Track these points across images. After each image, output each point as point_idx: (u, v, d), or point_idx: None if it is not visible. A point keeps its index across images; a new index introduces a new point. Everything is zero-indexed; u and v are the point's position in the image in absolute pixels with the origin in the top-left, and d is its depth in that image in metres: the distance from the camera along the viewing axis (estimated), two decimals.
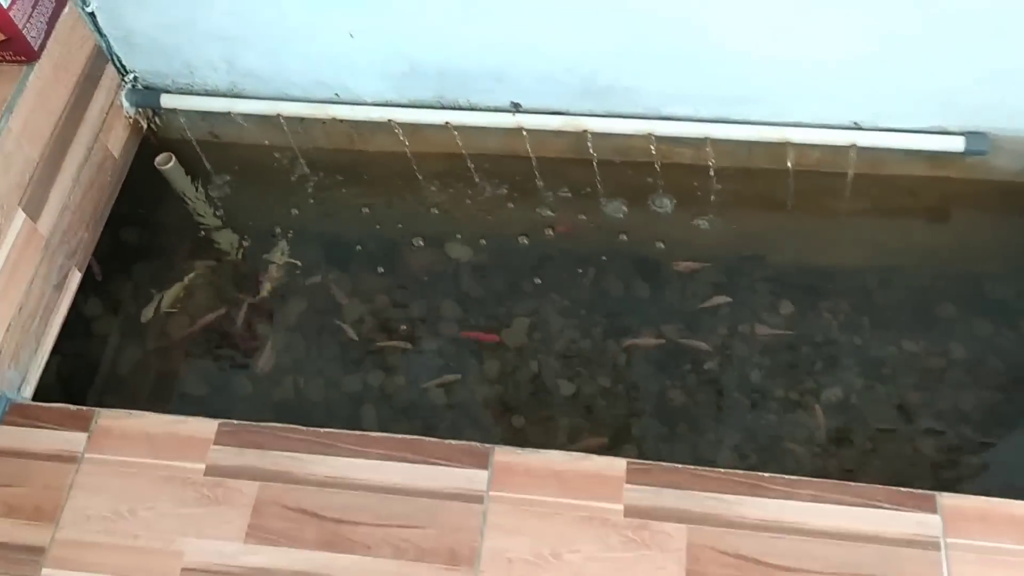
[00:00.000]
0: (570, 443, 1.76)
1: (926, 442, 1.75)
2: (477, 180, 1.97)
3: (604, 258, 1.93)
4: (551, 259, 1.95)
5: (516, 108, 1.81)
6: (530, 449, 1.49)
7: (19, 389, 1.61)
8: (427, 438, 1.51)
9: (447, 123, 1.83)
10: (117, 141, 1.85)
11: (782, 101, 1.71)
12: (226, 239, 2.04)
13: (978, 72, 1.59)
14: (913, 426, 1.75)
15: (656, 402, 1.80)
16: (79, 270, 1.76)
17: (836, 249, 1.93)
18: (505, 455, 1.48)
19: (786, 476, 1.43)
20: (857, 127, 1.73)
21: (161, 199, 2.05)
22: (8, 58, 1.56)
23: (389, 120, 1.84)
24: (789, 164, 1.79)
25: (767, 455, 1.74)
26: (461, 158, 1.92)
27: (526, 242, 1.96)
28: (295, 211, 2.05)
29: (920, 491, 1.40)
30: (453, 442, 1.50)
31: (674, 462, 1.45)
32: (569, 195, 1.96)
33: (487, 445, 1.49)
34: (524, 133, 1.82)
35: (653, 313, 1.88)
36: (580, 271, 1.93)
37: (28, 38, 1.55)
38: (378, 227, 2.02)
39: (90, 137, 1.76)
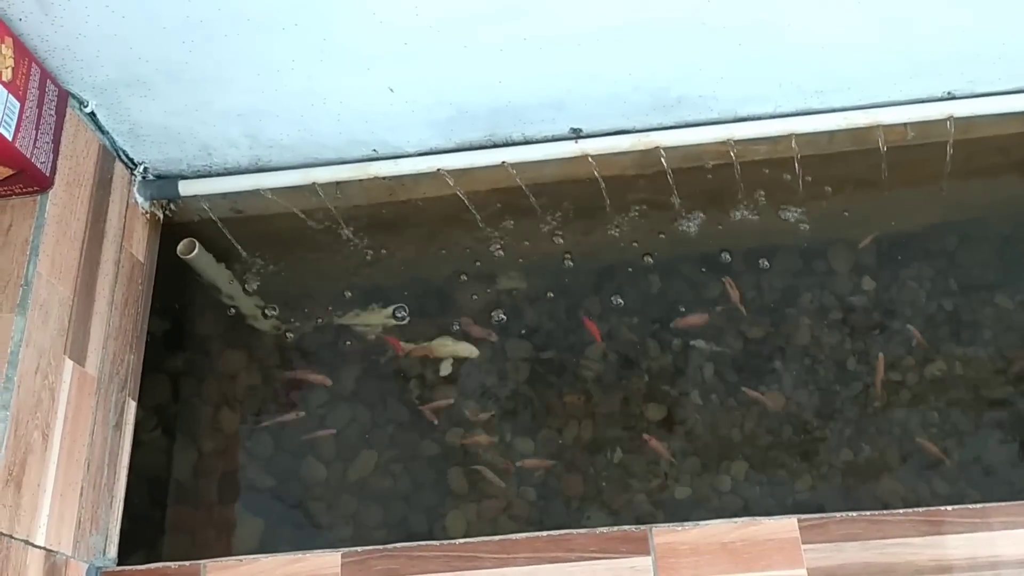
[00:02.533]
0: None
1: None
2: (538, 211, 1.81)
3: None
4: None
5: (577, 134, 1.64)
6: (690, 523, 1.37)
7: (104, 552, 1.44)
8: (575, 531, 1.38)
9: (503, 162, 1.65)
10: (139, 243, 1.65)
11: (870, 84, 1.57)
12: (265, 317, 1.87)
13: None
14: None
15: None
16: (133, 399, 1.58)
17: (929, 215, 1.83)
18: (665, 535, 1.36)
19: (972, 506, 1.33)
20: (951, 96, 1.60)
21: (193, 288, 1.85)
22: (19, 191, 1.35)
23: (438, 169, 1.66)
24: (880, 144, 1.65)
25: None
26: (518, 191, 1.75)
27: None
28: (340, 276, 1.88)
29: None
30: (604, 530, 1.37)
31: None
32: (641, 212, 1.81)
33: (642, 527, 1.37)
34: (590, 159, 1.65)
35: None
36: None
37: (38, 165, 1.33)
38: (433, 275, 1.87)
39: (115, 250, 1.55)
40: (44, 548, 1.29)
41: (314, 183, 1.68)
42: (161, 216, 1.74)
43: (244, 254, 1.86)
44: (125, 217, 1.61)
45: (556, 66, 1.47)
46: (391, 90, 1.51)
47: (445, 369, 1.79)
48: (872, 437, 1.67)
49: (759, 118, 1.61)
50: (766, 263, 1.80)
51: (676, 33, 1.42)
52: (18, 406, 1.26)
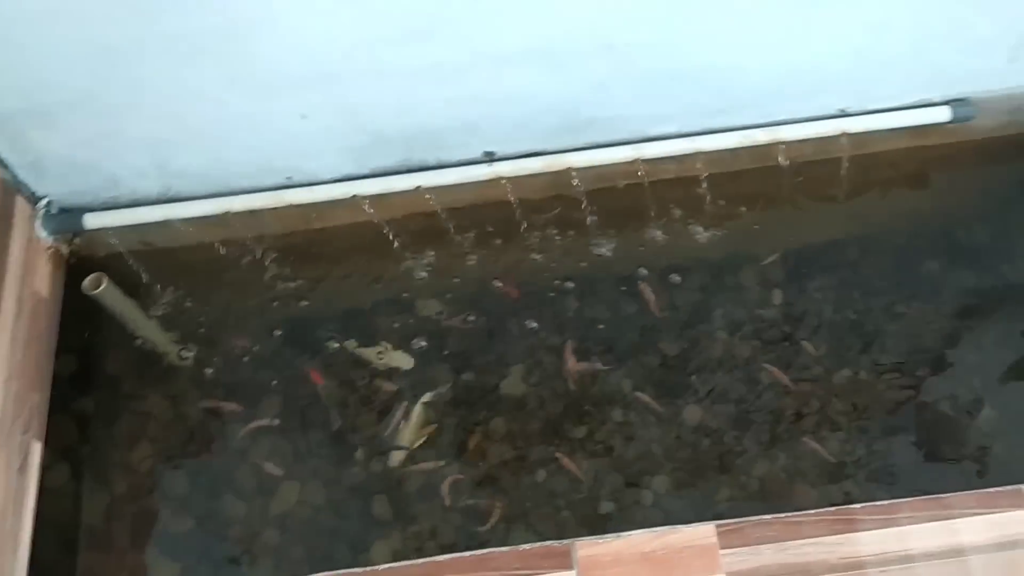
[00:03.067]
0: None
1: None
2: (455, 235, 1.82)
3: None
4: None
5: (491, 157, 1.67)
6: (611, 535, 1.38)
7: None
8: (497, 550, 1.38)
9: (418, 187, 1.66)
10: (43, 279, 1.60)
11: (769, 103, 1.64)
12: (172, 349, 1.82)
13: (960, 42, 1.56)
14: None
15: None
16: (38, 440, 1.52)
17: (831, 230, 1.90)
18: (587, 548, 1.37)
19: (880, 503, 1.38)
20: (844, 114, 1.68)
21: (103, 327, 1.80)
22: None
23: (354, 195, 1.66)
24: (780, 160, 1.72)
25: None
26: (434, 216, 1.76)
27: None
28: (257, 306, 1.85)
29: None
30: (527, 547, 1.38)
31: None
32: (556, 233, 1.84)
33: (565, 542, 1.37)
34: (503, 182, 1.67)
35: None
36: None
37: None
38: (353, 302, 1.85)
39: (18, 287, 1.50)
40: None
41: (227, 212, 1.65)
42: (66, 251, 1.69)
43: (156, 288, 1.82)
44: (27, 252, 1.56)
45: (469, 89, 1.49)
46: (304, 117, 1.51)
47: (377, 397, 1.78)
48: (785, 445, 1.72)
49: (666, 137, 1.66)
50: (678, 278, 1.85)
51: (584, 55, 1.46)
52: None
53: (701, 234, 1.87)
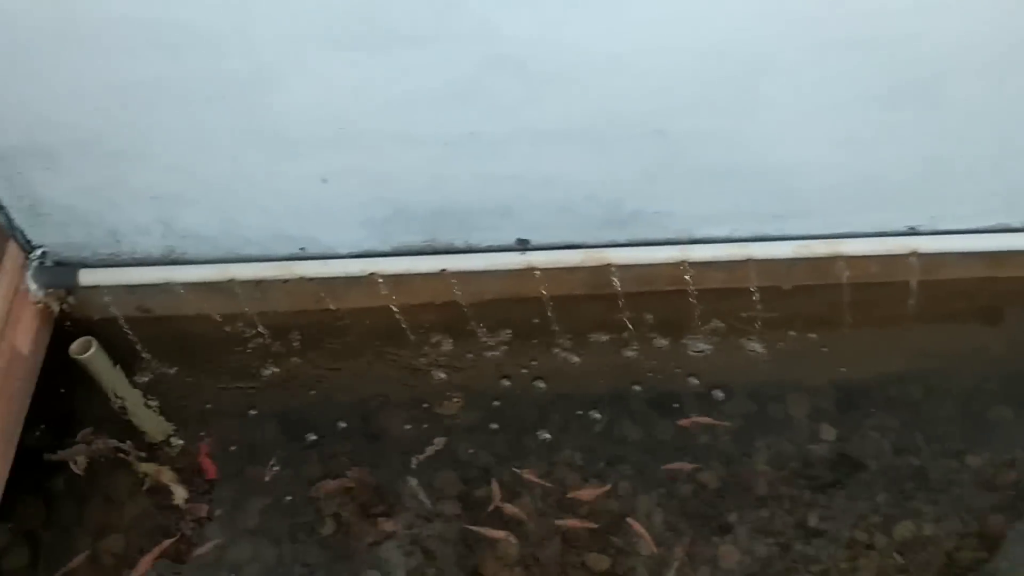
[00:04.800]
0: None
1: None
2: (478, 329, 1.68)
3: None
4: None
5: (524, 245, 1.54)
6: None
7: None
8: None
9: (443, 270, 1.53)
10: (26, 335, 1.49)
11: (830, 211, 1.51)
12: (161, 430, 1.67)
13: None
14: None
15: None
16: None
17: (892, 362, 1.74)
18: None
19: None
20: (914, 232, 1.54)
21: (85, 396, 1.65)
22: None
23: (371, 273, 1.53)
24: (842, 277, 1.57)
25: None
26: (456, 307, 1.62)
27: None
28: (253, 392, 1.71)
29: None
30: None
31: None
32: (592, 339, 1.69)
33: None
34: (536, 273, 1.54)
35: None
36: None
37: None
38: (358, 398, 1.71)
39: None
40: None
41: (232, 280, 1.53)
42: (57, 309, 1.58)
43: (150, 361, 1.69)
44: (12, 303, 1.45)
45: (505, 166, 1.39)
46: (324, 181, 1.40)
47: None
48: None
49: (715, 241, 1.53)
50: (721, 395, 1.68)
51: (632, 139, 1.35)
52: None
53: (752, 351, 1.71)
